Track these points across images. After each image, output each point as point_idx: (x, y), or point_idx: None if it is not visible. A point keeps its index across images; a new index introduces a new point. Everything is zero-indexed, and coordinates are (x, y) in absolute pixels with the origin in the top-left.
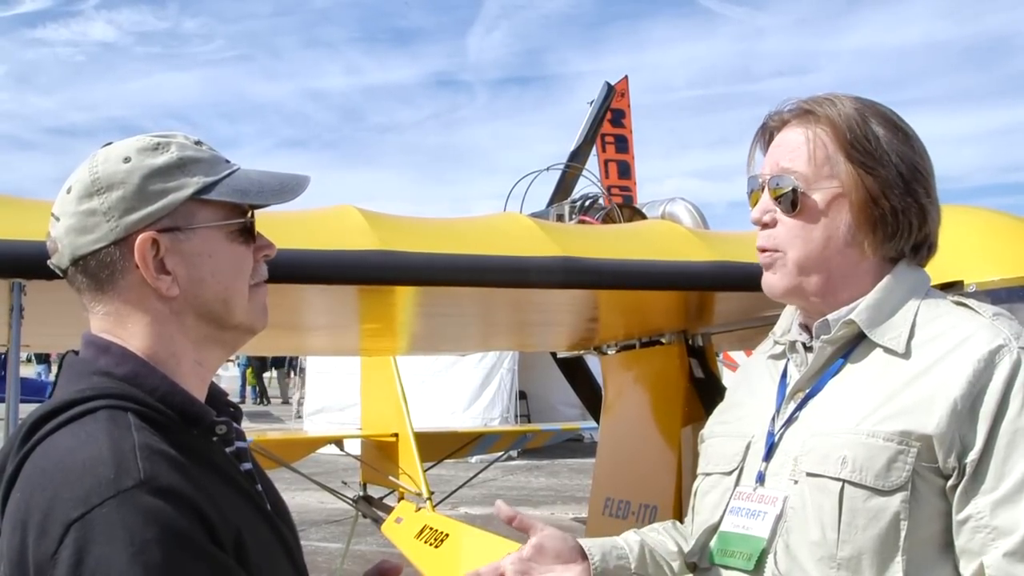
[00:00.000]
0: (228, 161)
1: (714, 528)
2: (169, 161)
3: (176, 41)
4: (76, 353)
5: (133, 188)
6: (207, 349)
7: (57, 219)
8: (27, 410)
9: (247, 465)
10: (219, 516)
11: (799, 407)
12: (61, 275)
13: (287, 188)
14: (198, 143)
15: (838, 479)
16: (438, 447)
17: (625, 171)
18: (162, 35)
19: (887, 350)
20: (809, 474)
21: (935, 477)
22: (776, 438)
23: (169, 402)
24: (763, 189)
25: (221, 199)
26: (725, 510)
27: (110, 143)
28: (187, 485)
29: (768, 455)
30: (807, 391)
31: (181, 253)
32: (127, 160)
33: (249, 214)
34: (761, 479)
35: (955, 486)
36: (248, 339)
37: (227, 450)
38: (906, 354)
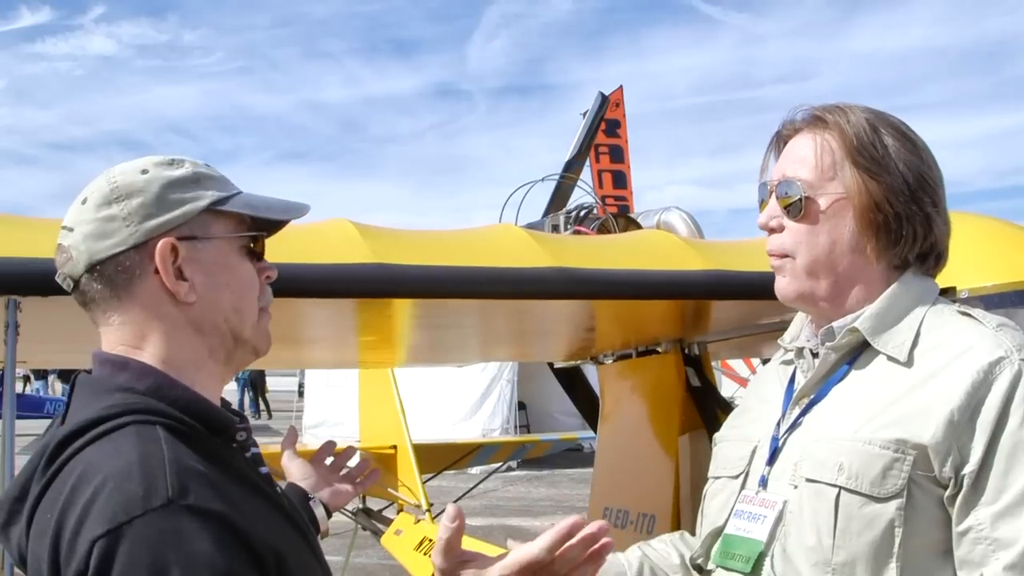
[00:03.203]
0: (234, 184)
1: (719, 530)
2: (185, 174)
3: (176, 54)
4: (89, 372)
5: (152, 196)
6: (219, 361)
7: (70, 230)
8: (25, 426)
9: (264, 469)
10: (253, 528)
11: (803, 412)
12: (69, 289)
13: (290, 209)
14: (207, 165)
15: (834, 485)
16: (437, 459)
17: (621, 181)
18: (162, 48)
19: (890, 358)
20: (808, 479)
21: (932, 486)
22: (780, 443)
23: (193, 412)
24: (771, 195)
25: (235, 211)
26: (730, 513)
27: (120, 164)
28: (218, 501)
29: (772, 459)
30: (812, 397)
31: (198, 261)
32: (145, 172)
33: (259, 232)
34: (764, 483)
35: (954, 497)
36: (252, 360)
37: (246, 455)
38: (908, 362)
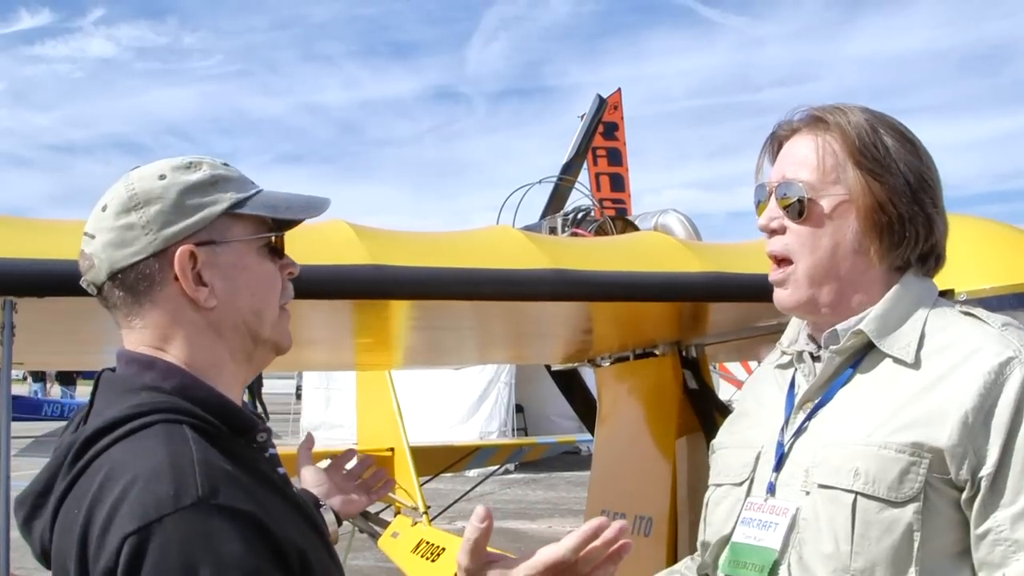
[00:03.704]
0: (253, 183)
1: (726, 539)
2: (203, 178)
3: (175, 56)
4: (112, 371)
5: (170, 202)
6: (240, 362)
7: (92, 237)
8: (24, 428)
9: (282, 470)
10: (280, 527)
11: (808, 417)
12: (93, 294)
13: (311, 206)
14: (225, 164)
15: (851, 491)
16: (434, 461)
17: (618, 184)
18: (161, 50)
19: (896, 360)
20: (821, 485)
21: (948, 488)
22: (786, 448)
23: (218, 412)
24: (770, 196)
25: (253, 213)
26: (737, 521)
27: (138, 167)
28: (246, 501)
29: (778, 465)
30: (816, 401)
31: (217, 266)
32: (163, 177)
33: (278, 231)
34: (772, 489)
35: (971, 499)
36: (272, 358)
37: (265, 456)
38: (915, 364)
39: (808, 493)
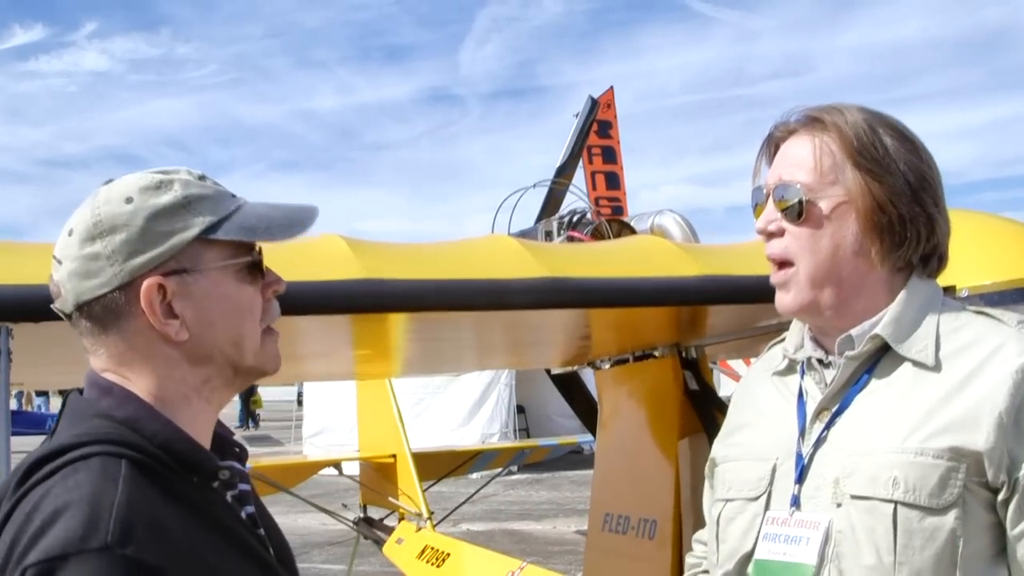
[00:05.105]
0: (234, 196)
1: (747, 556)
2: (173, 201)
3: (169, 67)
4: (80, 392)
5: (137, 230)
6: (217, 390)
7: (59, 262)
8: (28, 443)
9: (249, 509)
10: None
11: (827, 426)
12: (64, 318)
13: (295, 222)
14: (202, 178)
15: (890, 500)
16: (437, 466)
17: (613, 182)
18: (155, 62)
19: (916, 363)
20: (855, 496)
21: (983, 491)
22: (807, 459)
23: (169, 449)
24: (767, 199)
25: (228, 239)
26: (758, 537)
27: (111, 180)
28: (161, 554)
29: (800, 477)
30: (833, 409)
31: (189, 296)
32: (129, 200)
33: (257, 250)
34: (796, 503)
35: (1007, 500)
36: (258, 379)
37: (229, 494)
38: (936, 367)
39: (840, 505)
